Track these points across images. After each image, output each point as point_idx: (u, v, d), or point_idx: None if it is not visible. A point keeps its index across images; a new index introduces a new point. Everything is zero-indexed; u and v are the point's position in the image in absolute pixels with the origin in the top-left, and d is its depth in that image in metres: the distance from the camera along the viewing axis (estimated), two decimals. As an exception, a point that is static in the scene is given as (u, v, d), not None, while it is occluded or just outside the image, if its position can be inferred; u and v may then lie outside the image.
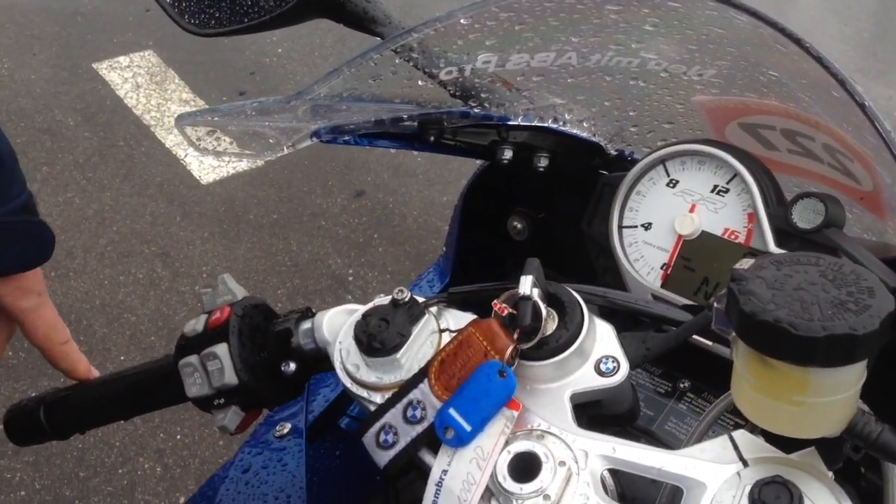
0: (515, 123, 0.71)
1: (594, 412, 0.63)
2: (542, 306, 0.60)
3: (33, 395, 0.81)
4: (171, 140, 2.92)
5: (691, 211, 0.74)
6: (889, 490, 0.58)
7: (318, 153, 2.94)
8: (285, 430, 0.85)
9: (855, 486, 0.65)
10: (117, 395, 0.77)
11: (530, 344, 0.60)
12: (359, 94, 0.65)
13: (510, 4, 0.54)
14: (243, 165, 2.87)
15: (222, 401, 0.70)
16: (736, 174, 0.72)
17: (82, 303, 2.32)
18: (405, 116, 0.67)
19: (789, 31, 0.48)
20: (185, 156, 2.87)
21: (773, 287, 0.50)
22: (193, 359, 0.70)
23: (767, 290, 0.49)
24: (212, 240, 2.57)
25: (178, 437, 2.05)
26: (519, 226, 0.85)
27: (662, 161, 0.74)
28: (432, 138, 0.70)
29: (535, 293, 0.60)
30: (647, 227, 0.76)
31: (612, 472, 0.61)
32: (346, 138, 0.69)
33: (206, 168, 2.84)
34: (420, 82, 0.66)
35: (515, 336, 0.60)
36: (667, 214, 0.74)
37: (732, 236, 0.73)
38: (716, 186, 0.73)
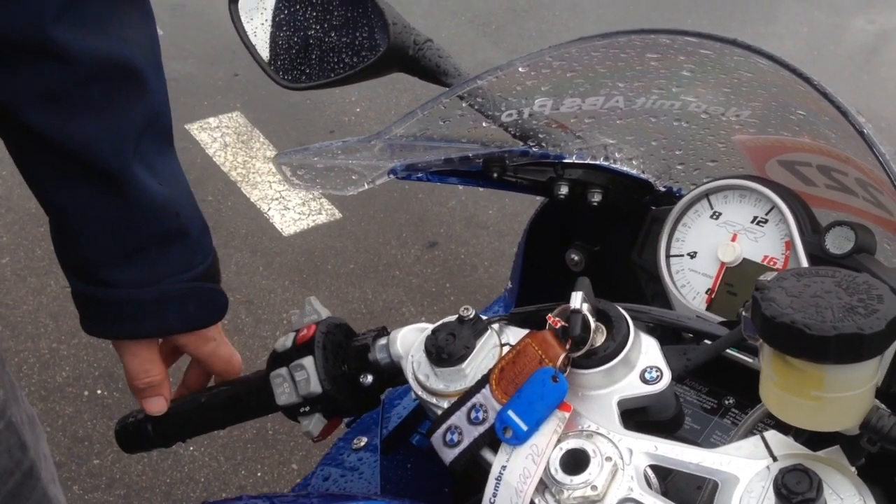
0: (570, 161, 0.79)
1: (641, 419, 0.70)
2: (591, 319, 0.67)
3: (138, 408, 0.90)
4: (256, 195, 3.09)
5: (733, 240, 0.80)
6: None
7: (394, 205, 3.06)
8: (362, 444, 0.93)
9: (885, 490, 0.69)
10: (215, 407, 0.86)
11: (580, 353, 0.67)
12: (430, 134, 0.74)
13: (561, 54, 0.63)
14: (322, 218, 3.01)
15: (307, 408, 0.78)
16: (774, 206, 0.78)
17: (171, 346, 2.46)
18: (471, 155, 0.76)
19: (800, 70, 0.55)
20: (268, 209, 3.03)
21: (792, 295, 0.56)
22: (283, 370, 0.78)
23: (787, 297, 0.56)
24: (292, 288, 2.70)
25: (259, 474, 2.14)
26: (576, 258, 0.93)
27: (706, 195, 0.82)
28: (495, 175, 0.79)
29: (585, 307, 0.68)
30: (692, 255, 0.83)
31: (659, 475, 0.67)
32: (420, 175, 0.78)
33: (288, 221, 2.98)
34: (484, 124, 0.75)
35: (567, 346, 0.67)
36: (710, 244, 0.81)
37: (771, 262, 0.79)
38: (755, 217, 0.80)
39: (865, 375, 0.55)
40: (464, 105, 0.73)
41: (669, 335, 0.81)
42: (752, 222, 0.80)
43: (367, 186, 0.75)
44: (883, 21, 4.84)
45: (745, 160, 0.82)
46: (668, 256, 0.83)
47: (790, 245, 0.77)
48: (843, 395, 0.56)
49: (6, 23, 0.65)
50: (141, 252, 0.75)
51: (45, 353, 2.47)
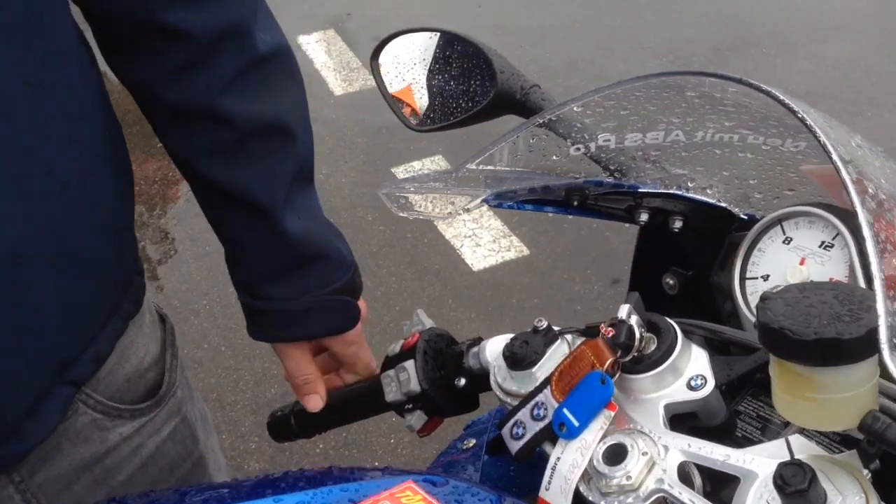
0: (644, 190, 0.86)
1: (693, 424, 0.77)
2: (637, 329, 0.75)
3: (285, 405, 1.07)
4: (451, 233, 3.29)
5: (801, 264, 0.85)
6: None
7: (581, 243, 3.15)
8: (470, 444, 1.03)
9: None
10: (342, 404, 1.01)
11: (627, 358, 0.75)
12: (515, 164, 0.84)
13: (609, 95, 0.72)
14: (511, 255, 3.15)
15: (410, 406, 0.91)
16: (839, 232, 0.82)
17: (365, 370, 2.68)
18: (552, 185, 0.85)
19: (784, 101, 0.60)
20: (461, 246, 3.22)
21: (789, 304, 0.62)
22: (391, 372, 0.92)
23: (784, 306, 0.62)
24: (478, 320, 2.85)
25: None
26: (671, 282, 0.99)
27: (780, 221, 0.86)
28: (576, 203, 0.88)
29: (633, 319, 0.76)
30: (765, 278, 0.87)
31: (705, 474, 0.72)
32: (510, 203, 0.89)
33: (479, 257, 3.15)
34: (571, 153, 0.84)
35: (617, 352, 0.75)
36: (781, 267, 0.86)
37: (836, 285, 0.82)
38: (823, 242, 0.84)
39: (857, 379, 0.60)
40: (536, 138, 0.84)
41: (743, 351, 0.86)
42: (820, 247, 0.84)
43: (462, 214, 0.87)
44: None
45: (821, 188, 0.86)
46: (742, 279, 0.88)
47: (852, 268, 0.81)
48: (835, 397, 0.60)
49: (183, 94, 0.84)
50: (287, 272, 0.92)
51: (259, 371, 2.77)
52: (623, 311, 0.76)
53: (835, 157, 0.52)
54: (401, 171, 3.71)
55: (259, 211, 0.88)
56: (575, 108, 0.77)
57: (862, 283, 0.80)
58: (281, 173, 0.89)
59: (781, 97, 0.58)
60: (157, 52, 0.83)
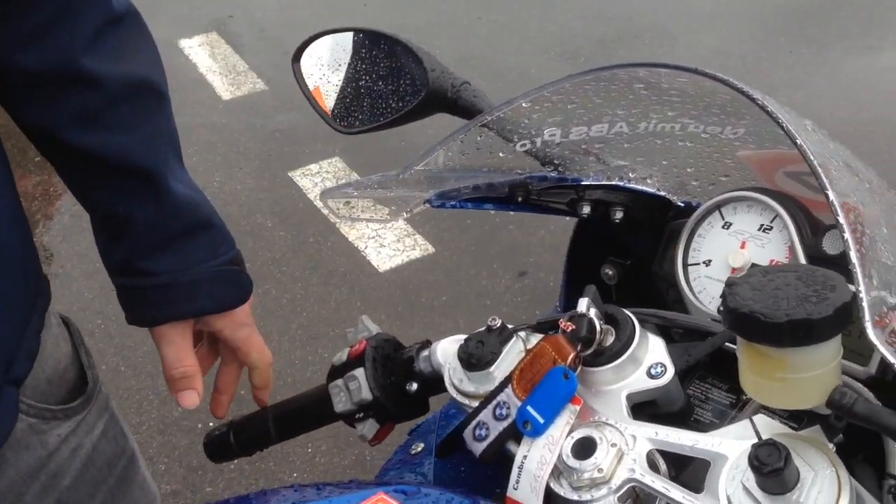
0: (587, 183, 0.87)
1: (653, 411, 0.77)
2: (597, 322, 0.75)
3: (223, 422, 1.02)
4: (354, 234, 3.25)
5: (742, 247, 0.87)
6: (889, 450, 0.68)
7: (485, 238, 3.17)
8: (419, 449, 1.02)
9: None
10: (285, 418, 0.97)
11: (588, 351, 0.75)
12: (459, 164, 0.84)
13: (558, 90, 0.72)
14: (416, 253, 3.14)
15: (361, 415, 0.89)
16: (777, 214, 0.85)
17: (276, 381, 2.61)
18: (496, 182, 0.85)
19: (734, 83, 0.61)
20: (365, 248, 3.19)
21: (756, 288, 0.63)
22: (339, 382, 0.89)
23: (751, 290, 0.63)
24: (388, 321, 2.83)
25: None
26: (610, 272, 1.01)
27: (718, 207, 0.89)
28: (520, 199, 0.88)
29: (592, 312, 0.76)
30: (707, 263, 0.90)
31: (668, 459, 0.73)
32: (453, 203, 0.88)
33: (384, 257, 3.13)
34: (500, 153, 0.84)
35: (578, 346, 0.75)
36: (723, 252, 0.88)
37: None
38: (762, 225, 0.87)
39: (824, 357, 0.62)
40: (479, 138, 0.83)
41: (689, 336, 0.88)
42: (759, 230, 0.86)
43: (406, 216, 0.85)
44: None
45: (754, 173, 0.89)
46: (685, 266, 0.90)
47: (792, 249, 0.84)
48: (804, 376, 0.62)
49: (43, 58, 0.79)
50: (174, 241, 0.87)
51: (163, 390, 2.65)
52: (582, 304, 0.77)
53: (800, 141, 0.53)
54: (298, 175, 3.65)
55: (141, 175, 0.84)
56: (524, 104, 0.77)
57: (802, 261, 0.83)
58: (157, 135, 0.85)
59: (739, 85, 0.59)
60: (10, 17, 0.78)
